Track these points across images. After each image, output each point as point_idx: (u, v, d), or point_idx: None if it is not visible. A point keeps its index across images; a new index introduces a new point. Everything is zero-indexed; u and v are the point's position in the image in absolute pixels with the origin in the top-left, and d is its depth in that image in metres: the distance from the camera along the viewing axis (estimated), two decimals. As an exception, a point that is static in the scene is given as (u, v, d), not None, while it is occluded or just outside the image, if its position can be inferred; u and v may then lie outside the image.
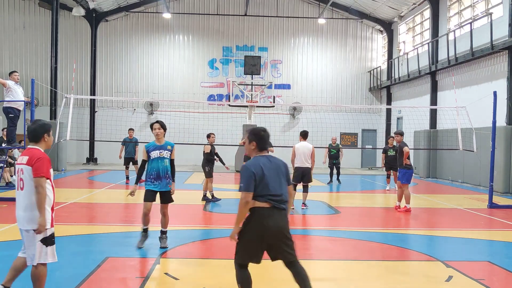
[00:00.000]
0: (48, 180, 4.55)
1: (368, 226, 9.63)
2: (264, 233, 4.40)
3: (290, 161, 11.59)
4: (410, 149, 11.86)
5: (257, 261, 4.52)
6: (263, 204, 4.42)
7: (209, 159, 12.49)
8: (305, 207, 11.44)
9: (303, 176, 11.32)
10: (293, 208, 11.38)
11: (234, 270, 6.30)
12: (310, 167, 11.35)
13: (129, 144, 16.30)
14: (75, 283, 5.51)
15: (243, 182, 4.44)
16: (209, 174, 12.46)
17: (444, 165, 20.81)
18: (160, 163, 7.25)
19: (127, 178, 16.67)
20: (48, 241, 4.54)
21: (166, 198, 7.34)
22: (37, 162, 4.48)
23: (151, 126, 7.52)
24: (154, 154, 7.27)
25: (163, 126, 7.40)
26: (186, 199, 13.20)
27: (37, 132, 4.64)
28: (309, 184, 11.59)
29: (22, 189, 4.57)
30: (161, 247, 7.28)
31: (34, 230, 4.47)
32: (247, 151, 4.76)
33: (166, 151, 7.36)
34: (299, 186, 11.54)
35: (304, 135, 11.52)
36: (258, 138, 4.64)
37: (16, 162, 4.93)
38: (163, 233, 7.45)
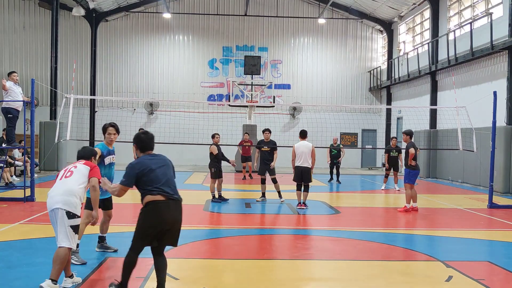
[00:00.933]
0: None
1: (368, 226, 9.63)
2: (162, 224, 4.81)
3: (290, 161, 11.63)
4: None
5: (152, 245, 4.98)
6: (158, 198, 4.80)
7: (216, 160, 12.47)
8: (305, 207, 11.44)
9: (303, 175, 11.32)
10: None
11: (231, 270, 6.33)
12: (310, 166, 11.34)
13: None
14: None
15: (126, 178, 4.92)
16: (215, 175, 12.45)
17: (444, 165, 20.80)
18: (111, 169, 6.94)
19: None
20: (76, 228, 5.24)
21: (111, 204, 7.02)
22: (95, 168, 5.60)
23: (105, 128, 6.82)
24: (108, 159, 6.84)
25: (118, 131, 6.86)
26: (186, 199, 13.19)
27: (89, 154, 5.82)
28: (309, 184, 11.58)
29: (67, 177, 5.36)
30: (113, 251, 6.92)
31: (67, 212, 5.13)
32: (134, 153, 5.22)
33: (114, 156, 7.02)
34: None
35: (303, 134, 11.53)
36: (137, 141, 5.11)
37: (66, 166, 5.67)
38: (104, 239, 7.05)
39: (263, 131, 13.08)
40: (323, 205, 12.67)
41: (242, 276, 6.05)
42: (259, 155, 12.98)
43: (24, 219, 9.36)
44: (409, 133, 11.77)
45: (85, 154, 5.76)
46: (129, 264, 4.92)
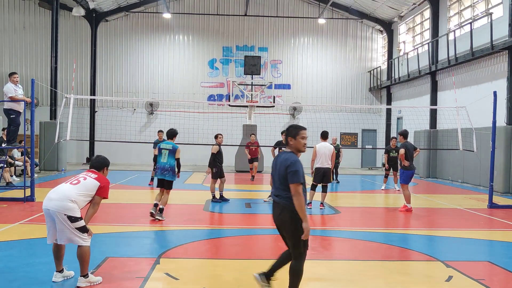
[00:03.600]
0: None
1: (368, 226, 9.63)
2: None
3: (309, 161, 11.62)
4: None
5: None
6: None
7: (218, 160, 12.44)
8: (323, 207, 11.51)
9: (324, 176, 11.38)
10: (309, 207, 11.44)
11: (231, 270, 6.34)
12: (330, 167, 11.44)
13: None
14: (75, 283, 5.51)
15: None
16: (215, 175, 12.44)
17: (444, 165, 20.80)
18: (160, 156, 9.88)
19: (152, 179, 16.43)
20: (83, 229, 5.39)
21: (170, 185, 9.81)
22: (105, 186, 5.60)
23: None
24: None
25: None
26: (186, 199, 13.20)
27: (101, 164, 5.81)
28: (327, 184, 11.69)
29: (72, 184, 5.47)
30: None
31: (68, 216, 5.27)
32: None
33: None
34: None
35: (324, 135, 11.59)
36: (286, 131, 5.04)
37: (82, 173, 5.76)
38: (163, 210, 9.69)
39: (282, 133, 12.82)
40: (323, 205, 12.65)
41: (242, 276, 6.05)
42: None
43: (24, 219, 9.36)
44: (401, 134, 11.84)
45: (97, 165, 5.78)
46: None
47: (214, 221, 10.39)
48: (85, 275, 5.44)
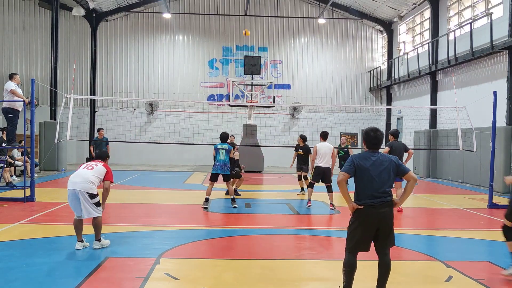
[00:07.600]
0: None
1: (368, 226, 9.60)
2: None
3: (310, 161, 11.81)
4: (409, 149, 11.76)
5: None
6: None
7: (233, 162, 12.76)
8: (333, 208, 11.40)
9: (324, 175, 11.40)
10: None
11: (233, 270, 6.33)
12: (330, 167, 11.44)
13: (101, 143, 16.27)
14: (75, 283, 5.51)
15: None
16: (236, 176, 13.07)
17: (444, 165, 20.79)
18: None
19: None
20: (98, 204, 7.06)
21: (229, 177, 11.48)
22: (110, 171, 7.24)
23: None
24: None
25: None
26: (186, 199, 13.21)
27: (104, 155, 7.63)
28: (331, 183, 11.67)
29: (89, 169, 7.07)
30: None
31: (89, 194, 6.90)
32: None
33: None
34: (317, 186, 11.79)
35: (324, 135, 11.69)
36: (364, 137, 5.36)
37: (88, 163, 7.41)
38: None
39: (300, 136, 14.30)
40: (323, 205, 12.65)
41: (242, 276, 6.05)
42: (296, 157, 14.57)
43: (24, 219, 9.36)
44: (392, 133, 11.71)
45: (102, 156, 7.58)
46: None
47: (214, 221, 10.39)
48: (98, 240, 7.10)
